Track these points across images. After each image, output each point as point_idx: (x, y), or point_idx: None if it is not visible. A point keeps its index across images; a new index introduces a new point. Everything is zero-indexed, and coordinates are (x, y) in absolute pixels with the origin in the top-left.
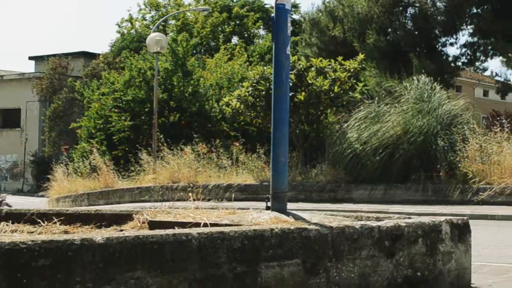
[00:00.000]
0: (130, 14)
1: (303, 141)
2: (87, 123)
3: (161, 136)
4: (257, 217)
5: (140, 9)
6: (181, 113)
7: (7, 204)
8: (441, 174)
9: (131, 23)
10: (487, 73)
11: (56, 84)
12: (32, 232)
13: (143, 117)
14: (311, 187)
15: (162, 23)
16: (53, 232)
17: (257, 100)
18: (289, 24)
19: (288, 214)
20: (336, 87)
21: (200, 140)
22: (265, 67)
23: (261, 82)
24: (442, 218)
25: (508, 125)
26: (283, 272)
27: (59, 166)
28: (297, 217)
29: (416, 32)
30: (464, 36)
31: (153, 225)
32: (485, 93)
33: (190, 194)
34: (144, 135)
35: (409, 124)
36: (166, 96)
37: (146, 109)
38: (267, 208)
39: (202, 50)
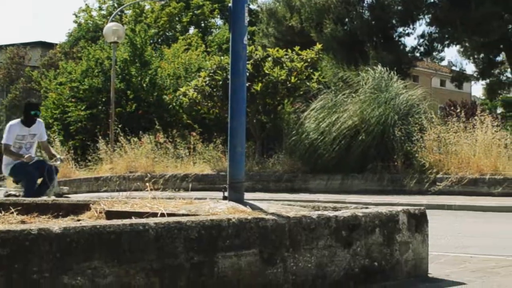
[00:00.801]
0: (86, 4)
1: (260, 131)
2: (44, 113)
3: (120, 125)
4: (214, 207)
5: None
6: (139, 103)
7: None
8: (398, 164)
9: (88, 13)
10: (444, 63)
11: (13, 74)
12: None
13: (100, 107)
14: (268, 177)
15: (119, 13)
16: (10, 222)
17: (214, 90)
18: (246, 14)
19: (245, 204)
20: (293, 77)
21: (158, 130)
22: (222, 57)
23: (218, 72)
24: (399, 208)
25: (465, 115)
26: (240, 262)
27: None
28: (254, 207)
29: (373, 22)
30: (421, 26)
31: (110, 215)
32: (442, 83)
33: (147, 184)
34: (101, 125)
35: (366, 114)
36: (123, 86)
37: (104, 99)
38: (224, 198)
39: (160, 40)
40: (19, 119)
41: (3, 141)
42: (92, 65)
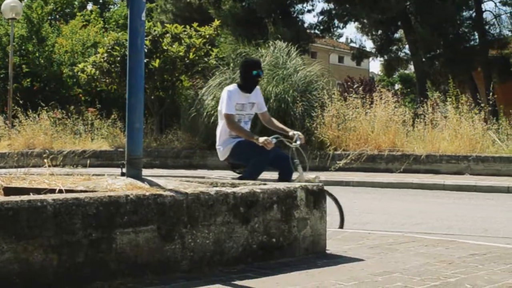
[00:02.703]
0: None
1: (158, 108)
2: None
3: (21, 101)
4: (112, 183)
5: None
6: (35, 79)
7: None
8: None
9: None
10: (342, 39)
11: None
12: None
13: None
14: (166, 153)
15: None
16: None
17: (113, 66)
18: None
19: (143, 180)
20: (191, 54)
21: (55, 106)
22: (120, 34)
23: (116, 48)
24: (298, 185)
25: (363, 91)
26: (138, 238)
27: None
28: (152, 184)
29: None
30: (320, 3)
31: (8, 191)
32: (340, 59)
33: (45, 160)
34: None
35: (265, 91)
36: (20, 61)
37: (1, 75)
38: (122, 174)
39: (58, 17)
40: (235, 84)
41: (224, 111)
42: None
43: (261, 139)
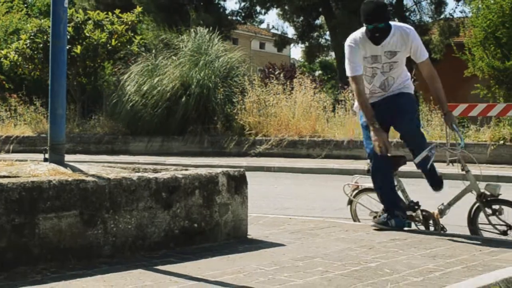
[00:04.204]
0: None
1: (81, 94)
2: None
3: None
4: (35, 168)
5: None
6: None
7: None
8: (218, 126)
9: None
10: (264, 26)
11: None
12: None
13: None
14: (88, 139)
15: None
16: None
17: (35, 52)
18: None
19: (66, 166)
20: (113, 40)
21: None
22: (43, 20)
23: (39, 35)
24: (219, 170)
25: (284, 77)
26: (61, 223)
27: None
28: (75, 169)
29: None
30: None
31: None
32: (262, 46)
33: None
34: None
35: (187, 77)
36: None
37: None
38: (45, 160)
39: None
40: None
41: (348, 73)
42: None
43: (375, 134)
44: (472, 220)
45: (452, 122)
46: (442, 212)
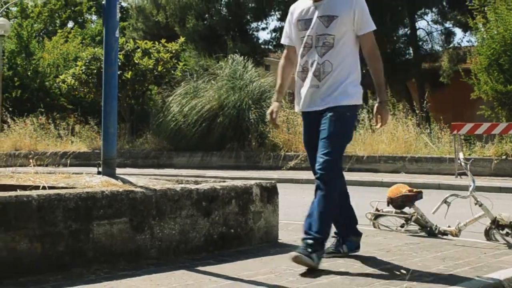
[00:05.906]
0: None
1: (130, 114)
2: None
3: (10, 109)
4: (90, 180)
5: None
6: (23, 89)
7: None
8: (252, 143)
9: None
10: None
11: None
12: None
13: None
14: (137, 154)
15: (6, 10)
16: None
17: (90, 77)
18: (117, 11)
19: (117, 178)
20: (159, 66)
21: (40, 113)
22: (96, 49)
23: (93, 62)
24: (253, 182)
25: None
26: (113, 229)
27: None
28: (125, 181)
29: (230, 18)
30: (273, 21)
31: None
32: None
33: (30, 160)
34: None
35: (224, 99)
36: (11, 74)
37: None
38: (99, 173)
39: (42, 33)
40: None
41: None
42: None
43: (270, 108)
44: (487, 233)
45: (384, 113)
46: (460, 231)
